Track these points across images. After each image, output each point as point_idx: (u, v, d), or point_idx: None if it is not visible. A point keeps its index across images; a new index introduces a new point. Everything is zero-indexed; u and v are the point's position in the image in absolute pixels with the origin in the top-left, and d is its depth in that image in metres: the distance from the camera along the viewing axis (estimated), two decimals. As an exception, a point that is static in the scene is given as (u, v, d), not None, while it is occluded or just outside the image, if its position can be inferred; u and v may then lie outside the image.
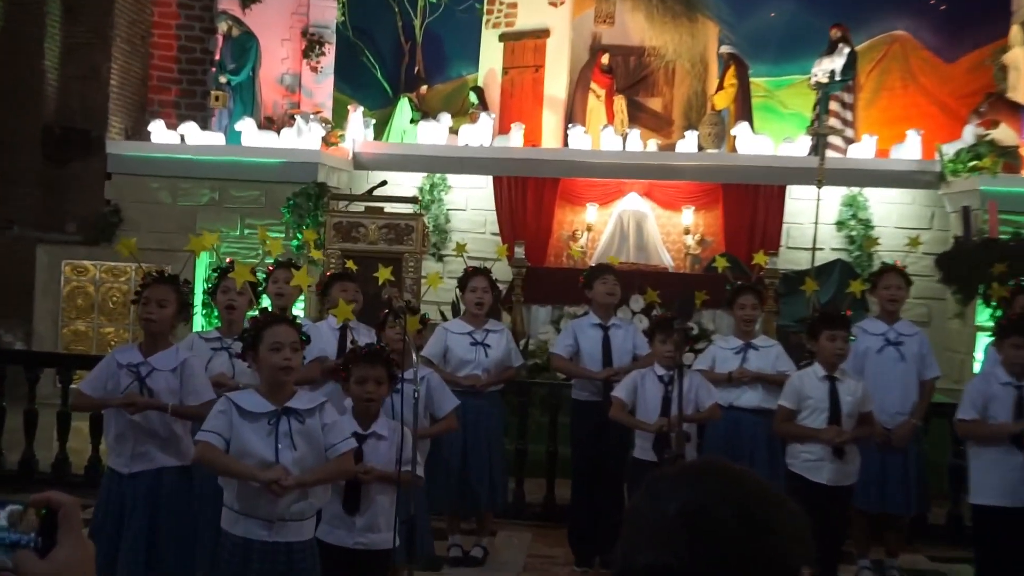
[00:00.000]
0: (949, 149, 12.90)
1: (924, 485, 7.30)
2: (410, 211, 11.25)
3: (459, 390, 7.12)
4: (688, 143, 13.99)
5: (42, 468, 8.86)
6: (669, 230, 14.10)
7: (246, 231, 12.80)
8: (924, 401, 7.26)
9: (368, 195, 11.37)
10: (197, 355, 5.87)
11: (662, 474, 1.54)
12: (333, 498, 4.90)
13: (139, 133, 13.87)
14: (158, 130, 13.35)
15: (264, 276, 7.37)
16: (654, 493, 1.51)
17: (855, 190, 13.70)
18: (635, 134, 14.05)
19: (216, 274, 6.38)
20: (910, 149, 13.48)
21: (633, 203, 14.11)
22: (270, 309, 6.19)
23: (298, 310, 9.50)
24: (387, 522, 4.95)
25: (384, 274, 6.31)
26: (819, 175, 10.81)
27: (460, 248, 8.35)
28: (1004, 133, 12.51)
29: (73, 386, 7.74)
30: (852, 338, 6.53)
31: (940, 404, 8.03)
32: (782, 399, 6.50)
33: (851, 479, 6.38)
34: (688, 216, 13.93)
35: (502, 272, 12.53)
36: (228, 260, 6.39)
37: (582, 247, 13.67)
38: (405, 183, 13.93)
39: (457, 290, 7.79)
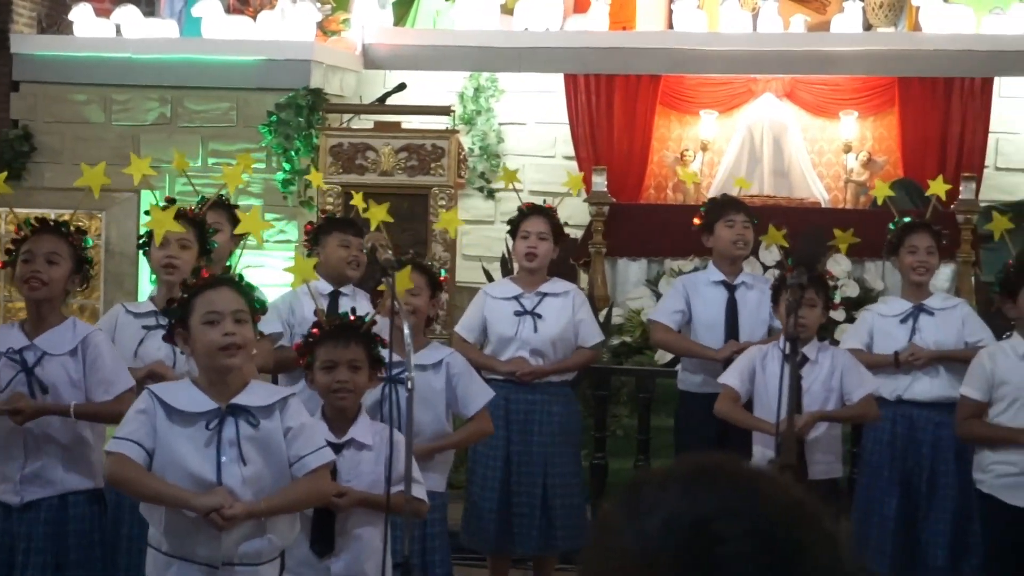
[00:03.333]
0: None
1: None
2: (442, 127, 11.27)
3: (502, 380, 7.23)
4: (849, 19, 13.83)
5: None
6: (822, 147, 13.99)
7: (211, 160, 12.91)
8: None
9: (379, 105, 11.40)
10: (106, 330, 5.96)
11: (643, 478, 1.54)
12: (298, 536, 4.96)
13: (57, 24, 14.02)
14: (83, 19, 13.48)
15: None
16: (630, 504, 1.51)
17: (1097, 81, 13.48)
18: (771, 8, 13.91)
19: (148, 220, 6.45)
20: None
21: (769, 109, 14.00)
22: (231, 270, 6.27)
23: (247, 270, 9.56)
24: (377, 567, 5.01)
25: (378, 214, 6.35)
26: (1038, 61, 10.67)
27: (509, 176, 8.37)
28: None
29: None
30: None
31: None
32: (965, 386, 6.50)
33: (1071, 502, 6.37)
34: (849, 126, 13.80)
35: (577, 212, 12.59)
36: (167, 200, 6.49)
37: (696, 174, 13.58)
38: (439, 87, 13.94)
39: (508, 239, 7.86)
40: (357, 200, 7.10)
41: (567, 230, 12.55)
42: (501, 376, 7.27)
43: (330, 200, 10.52)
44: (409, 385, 4.75)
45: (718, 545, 1.45)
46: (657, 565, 1.45)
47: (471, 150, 13.91)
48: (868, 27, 13.94)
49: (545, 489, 7.32)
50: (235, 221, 6.99)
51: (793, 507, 1.51)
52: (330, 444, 5.02)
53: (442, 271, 6.84)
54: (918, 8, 13.72)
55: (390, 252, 5.29)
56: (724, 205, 7.60)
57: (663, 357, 10.08)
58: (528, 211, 7.49)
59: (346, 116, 11.78)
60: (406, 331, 4.86)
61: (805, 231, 5.92)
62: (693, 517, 1.47)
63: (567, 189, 8.36)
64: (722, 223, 7.47)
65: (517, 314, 7.37)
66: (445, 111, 11.18)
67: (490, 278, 10.79)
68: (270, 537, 4.62)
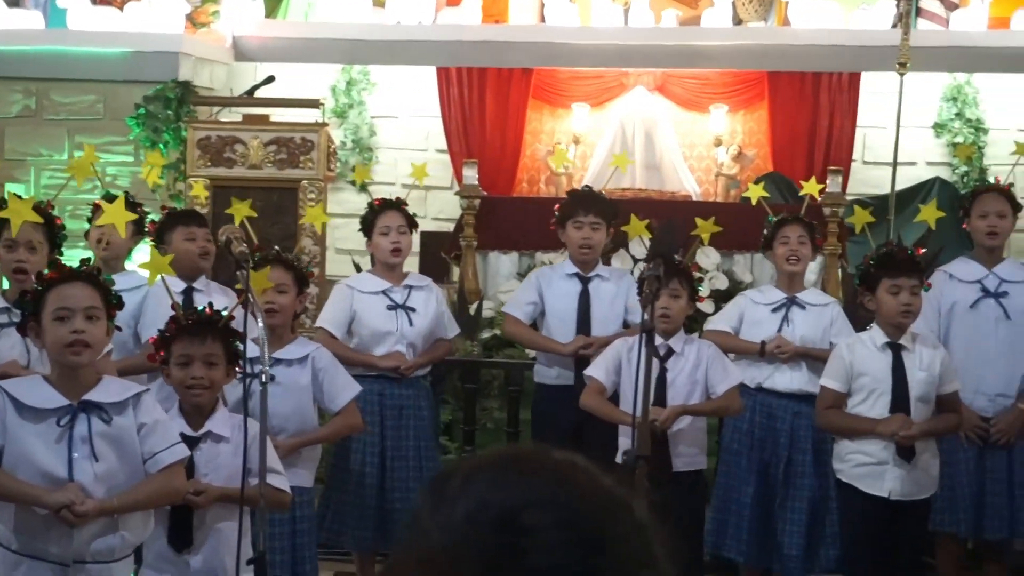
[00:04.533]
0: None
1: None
2: (312, 120, 11.19)
3: (375, 376, 7.21)
4: (719, 14, 13.94)
5: None
6: (693, 141, 14.09)
7: (78, 153, 12.74)
8: None
9: (248, 98, 11.30)
10: None
11: (451, 469, 1.53)
12: (156, 530, 4.91)
13: (-81, 14, 13.78)
14: (-54, 9, 13.27)
15: (88, 217, 7.41)
16: (437, 495, 1.50)
17: (961, 78, 13.69)
18: (642, 2, 13.99)
19: None
20: (1040, 16, 13.47)
21: (640, 103, 14.07)
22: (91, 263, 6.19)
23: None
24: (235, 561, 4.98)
25: (242, 210, 6.31)
26: (901, 56, 10.80)
27: (361, 173, 8.45)
28: None
29: None
30: (926, 287, 6.58)
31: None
32: (825, 377, 6.57)
33: (926, 491, 6.48)
34: (719, 120, 13.92)
35: (448, 205, 12.58)
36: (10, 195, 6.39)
37: (567, 167, 13.63)
38: (311, 80, 13.87)
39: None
40: (198, 190, 7.08)
41: (438, 223, 12.64)
42: (375, 372, 7.25)
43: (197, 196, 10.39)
44: (263, 379, 4.71)
45: (525, 536, 1.43)
46: (462, 557, 1.44)
47: (343, 144, 13.86)
48: (738, 22, 14.05)
49: (421, 483, 7.30)
50: (138, 219, 6.99)
51: (602, 497, 1.50)
52: (187, 437, 5.00)
53: (309, 267, 6.84)
54: (787, 3, 13.87)
55: (245, 245, 5.24)
56: (576, 204, 7.63)
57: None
58: (380, 206, 7.50)
59: (215, 109, 11.67)
60: (259, 324, 4.83)
61: (662, 223, 5.95)
62: (500, 508, 1.45)
63: (415, 179, 8.27)
64: (571, 223, 7.53)
65: (390, 308, 7.35)
66: (314, 104, 11.09)
67: (360, 272, 10.74)
68: (123, 534, 4.58)
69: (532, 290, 7.67)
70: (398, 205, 7.50)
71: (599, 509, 1.48)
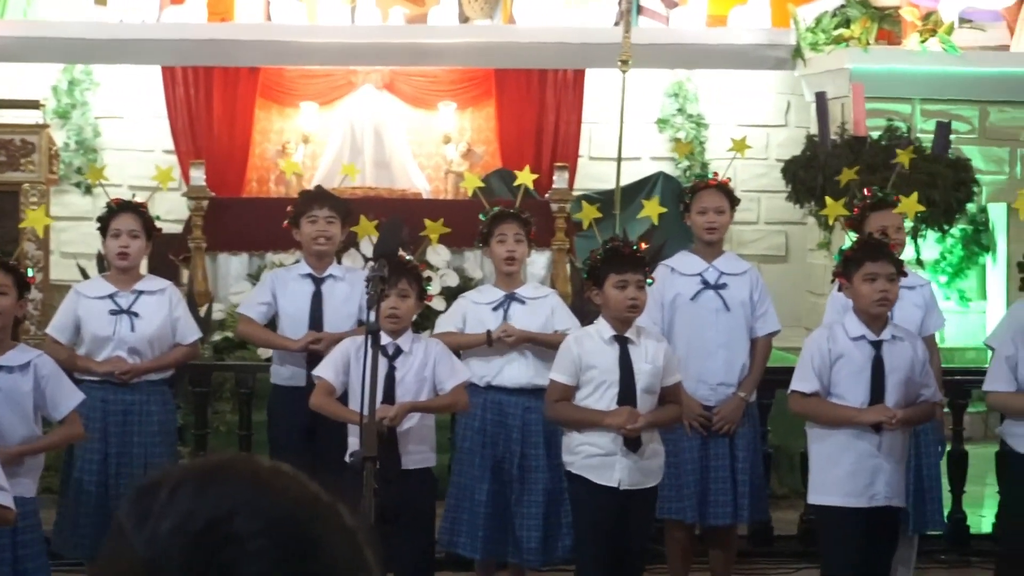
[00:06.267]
0: (807, 13, 13.29)
1: (760, 483, 7.65)
2: (33, 121, 10.95)
3: (99, 382, 7.11)
4: (446, 12, 14.01)
5: None
6: (422, 139, 14.13)
7: None
8: (758, 367, 7.56)
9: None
10: None
11: (155, 480, 1.52)
12: None
13: None
14: None
15: None
16: (141, 508, 1.49)
17: (682, 74, 14.01)
18: (369, 1, 13.98)
19: None
20: (755, 13, 13.84)
21: (369, 101, 14.06)
22: None
23: None
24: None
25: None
26: (623, 53, 10.99)
27: (95, 173, 8.26)
28: (882, -11, 12.97)
29: None
30: (650, 281, 6.73)
31: (789, 370, 8.30)
32: (554, 371, 6.66)
33: (653, 479, 6.64)
34: (448, 118, 13.99)
35: (176, 206, 12.40)
36: None
37: (298, 165, 13.55)
38: (32, 81, 13.55)
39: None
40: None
41: (166, 225, 12.44)
42: (97, 377, 7.13)
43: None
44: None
45: (231, 545, 1.44)
46: (165, 569, 1.43)
47: (67, 145, 13.55)
48: (465, 19, 14.14)
49: None
50: None
51: (310, 503, 1.51)
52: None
53: (30, 270, 6.71)
54: (513, 1, 14.00)
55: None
56: (308, 200, 7.68)
57: (267, 351, 10.05)
58: (117, 208, 7.37)
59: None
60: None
61: (384, 222, 5.99)
62: (206, 518, 1.45)
63: (157, 183, 8.16)
64: (305, 219, 7.53)
65: (113, 313, 7.23)
66: (34, 105, 10.87)
67: (86, 276, 10.55)
68: None
69: (266, 291, 7.67)
70: (134, 208, 7.37)
71: (307, 515, 1.49)
